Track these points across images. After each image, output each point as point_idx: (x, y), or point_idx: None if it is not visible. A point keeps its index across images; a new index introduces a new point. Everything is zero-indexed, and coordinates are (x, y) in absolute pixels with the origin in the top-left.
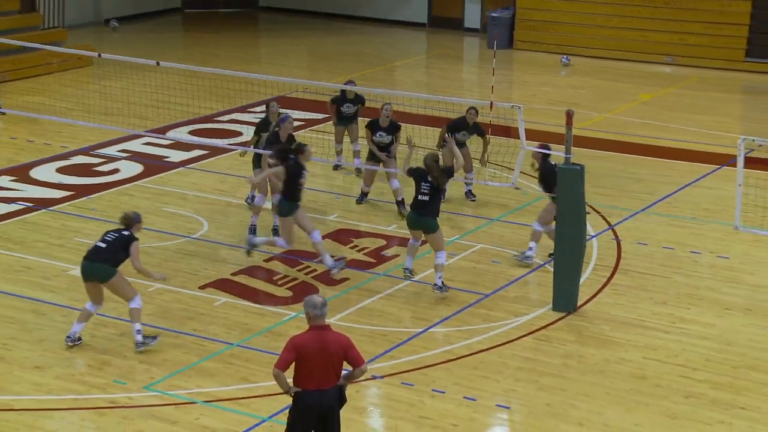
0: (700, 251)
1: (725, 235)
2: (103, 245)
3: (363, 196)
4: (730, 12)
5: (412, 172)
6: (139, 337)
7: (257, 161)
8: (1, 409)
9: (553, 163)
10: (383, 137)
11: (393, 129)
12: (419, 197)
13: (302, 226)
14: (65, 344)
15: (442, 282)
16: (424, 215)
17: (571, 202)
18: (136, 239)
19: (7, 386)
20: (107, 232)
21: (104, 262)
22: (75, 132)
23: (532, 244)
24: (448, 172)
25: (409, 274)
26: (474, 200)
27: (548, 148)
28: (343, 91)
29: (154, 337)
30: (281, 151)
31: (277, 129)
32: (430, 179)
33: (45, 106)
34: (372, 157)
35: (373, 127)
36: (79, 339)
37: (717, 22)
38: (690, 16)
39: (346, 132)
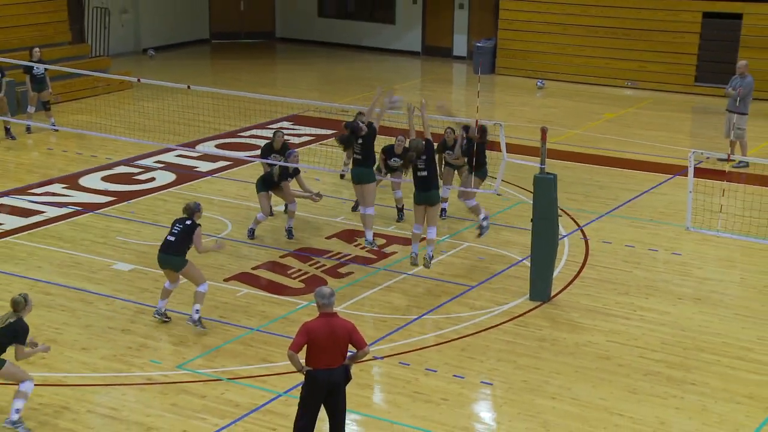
0: (657, 249)
1: (678, 234)
2: (173, 239)
3: None
4: (681, 43)
5: (405, 152)
6: (196, 316)
7: (261, 186)
8: (54, 384)
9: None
10: (396, 162)
11: (405, 155)
12: (418, 173)
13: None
14: (154, 318)
15: (431, 255)
16: (426, 190)
17: (546, 206)
18: (199, 225)
19: (59, 365)
20: (174, 224)
21: (176, 254)
22: (117, 146)
23: (481, 215)
24: (428, 147)
25: (414, 257)
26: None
27: (485, 130)
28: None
29: (204, 326)
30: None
31: (287, 162)
32: (423, 156)
33: (92, 124)
34: (378, 170)
35: (387, 152)
36: (166, 315)
37: (671, 51)
38: (648, 46)
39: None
